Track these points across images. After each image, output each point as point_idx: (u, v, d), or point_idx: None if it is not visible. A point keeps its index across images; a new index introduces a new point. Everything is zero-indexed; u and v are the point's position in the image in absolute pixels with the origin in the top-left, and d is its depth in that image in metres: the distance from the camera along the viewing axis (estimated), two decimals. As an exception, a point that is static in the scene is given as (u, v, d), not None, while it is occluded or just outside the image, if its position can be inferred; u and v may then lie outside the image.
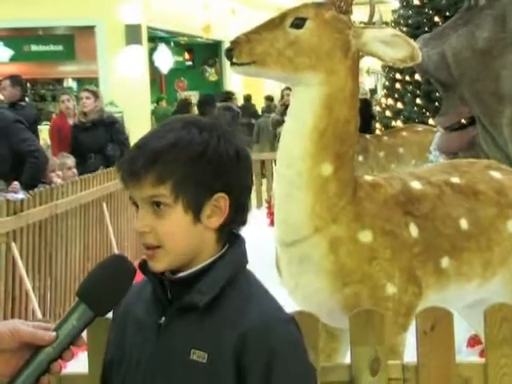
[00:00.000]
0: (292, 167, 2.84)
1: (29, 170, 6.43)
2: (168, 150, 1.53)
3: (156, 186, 1.53)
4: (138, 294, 1.66)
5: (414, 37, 2.91)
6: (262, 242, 5.44)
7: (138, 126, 11.29)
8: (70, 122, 8.94)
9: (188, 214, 1.55)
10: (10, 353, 1.45)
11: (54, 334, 1.44)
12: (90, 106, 8.13)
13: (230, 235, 1.62)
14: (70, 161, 7.51)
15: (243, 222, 1.64)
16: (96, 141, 8.04)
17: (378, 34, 2.91)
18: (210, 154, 1.54)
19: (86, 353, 4.54)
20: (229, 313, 1.54)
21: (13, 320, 1.56)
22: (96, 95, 8.25)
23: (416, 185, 3.09)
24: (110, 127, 8.21)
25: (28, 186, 5.97)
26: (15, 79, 8.68)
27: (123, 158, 1.62)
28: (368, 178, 3.09)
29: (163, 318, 1.58)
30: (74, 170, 7.47)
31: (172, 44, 20.69)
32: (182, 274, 1.58)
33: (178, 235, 1.55)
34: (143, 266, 1.62)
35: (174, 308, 1.57)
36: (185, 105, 11.37)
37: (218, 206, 1.56)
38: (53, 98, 17.45)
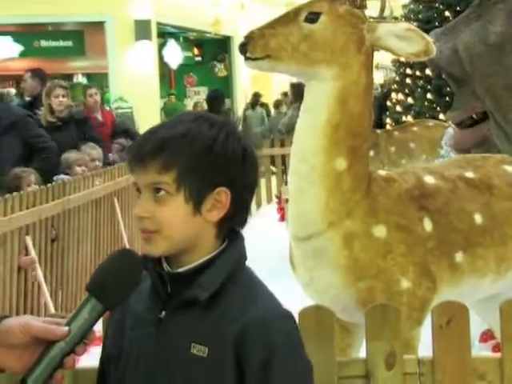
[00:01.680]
0: (306, 162, 2.83)
1: (39, 166, 6.42)
2: (176, 140, 1.55)
3: (160, 174, 1.54)
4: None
5: (425, 31, 2.90)
6: (272, 237, 5.46)
7: (147, 121, 11.26)
8: (98, 117, 8.85)
9: (188, 205, 1.56)
10: (22, 348, 1.45)
11: (66, 328, 1.44)
12: (65, 104, 7.52)
13: (229, 232, 1.63)
14: (96, 152, 7.40)
15: (243, 222, 1.65)
16: (68, 140, 7.34)
17: (392, 28, 2.90)
18: (217, 148, 1.56)
19: (98, 348, 4.55)
20: (229, 308, 1.55)
21: (24, 315, 1.56)
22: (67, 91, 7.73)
23: (430, 179, 3.08)
24: (81, 124, 7.70)
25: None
26: (35, 72, 8.66)
27: (133, 143, 1.64)
28: (382, 172, 3.09)
29: (163, 313, 1.59)
30: (98, 163, 7.36)
31: (181, 39, 20.68)
32: (181, 270, 1.59)
33: (176, 223, 1.56)
34: (144, 260, 1.62)
35: (174, 302, 1.58)
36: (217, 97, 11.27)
37: (219, 200, 1.57)
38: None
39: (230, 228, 1.63)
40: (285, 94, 16.93)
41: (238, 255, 1.62)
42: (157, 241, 1.56)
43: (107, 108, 10.39)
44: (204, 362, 1.53)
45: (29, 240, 5.28)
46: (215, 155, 1.56)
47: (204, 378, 1.54)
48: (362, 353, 2.83)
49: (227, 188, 1.57)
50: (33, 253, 5.32)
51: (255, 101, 16.44)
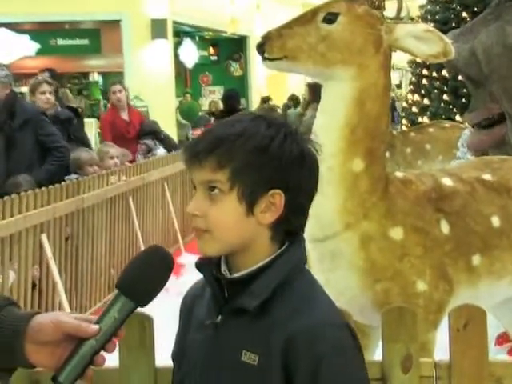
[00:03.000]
0: (323, 163, 2.78)
1: (51, 165, 6.41)
2: (232, 138, 1.52)
3: (214, 171, 1.52)
4: (202, 291, 1.67)
5: (442, 33, 2.89)
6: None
7: (162, 119, 11.28)
8: (124, 116, 8.61)
9: (241, 205, 1.52)
10: (54, 345, 1.44)
11: (97, 326, 1.44)
12: (51, 102, 7.21)
13: (289, 234, 1.59)
14: (114, 150, 7.35)
15: (300, 226, 1.61)
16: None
17: (411, 29, 2.89)
18: (273, 148, 1.52)
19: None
20: (280, 315, 1.52)
21: (55, 312, 1.55)
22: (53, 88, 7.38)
23: (447, 181, 3.07)
24: (66, 124, 7.23)
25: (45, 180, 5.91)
26: (52, 73, 8.68)
27: (189, 141, 1.63)
28: (399, 174, 3.08)
29: (219, 317, 1.57)
30: (117, 160, 7.29)
31: (197, 39, 20.69)
32: (238, 275, 1.57)
33: (228, 223, 1.53)
34: (200, 264, 1.62)
35: (228, 308, 1.56)
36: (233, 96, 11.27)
37: (273, 203, 1.53)
38: (78, 91, 17.51)
39: (288, 231, 1.59)
40: (291, 98, 16.88)
41: (295, 259, 1.58)
42: (207, 240, 1.55)
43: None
44: (253, 370, 1.51)
45: (44, 238, 5.29)
46: (271, 155, 1.52)
47: None
48: (377, 355, 2.82)
49: (282, 190, 1.53)
50: (48, 251, 5.33)
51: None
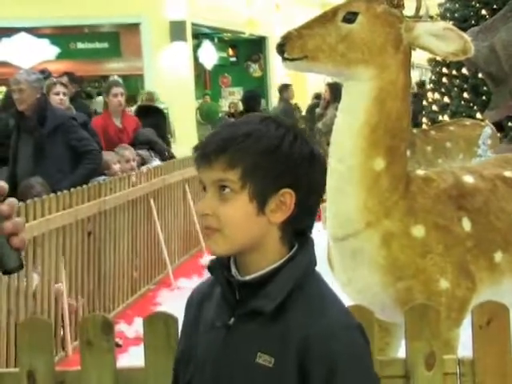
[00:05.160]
0: (344, 162, 2.83)
1: (86, 169, 6.38)
2: (243, 138, 1.54)
3: (226, 171, 1.54)
4: (210, 290, 1.67)
5: (461, 30, 2.89)
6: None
7: (182, 121, 11.34)
8: (117, 122, 8.00)
9: (252, 204, 1.54)
10: None
11: None
12: (65, 104, 7.20)
13: (298, 236, 1.61)
14: (129, 152, 7.36)
15: (309, 226, 1.63)
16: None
17: (430, 27, 2.89)
18: (283, 148, 1.55)
19: (137, 348, 4.60)
20: (295, 317, 1.54)
21: None
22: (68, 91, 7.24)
23: (468, 179, 3.07)
24: (82, 128, 6.71)
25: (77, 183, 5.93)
26: (71, 76, 8.66)
27: (199, 141, 1.64)
28: (420, 172, 3.08)
29: (232, 319, 1.58)
30: (133, 163, 7.31)
31: (216, 40, 20.72)
32: (249, 277, 1.58)
33: (239, 222, 1.55)
34: (212, 266, 1.63)
35: (241, 310, 1.57)
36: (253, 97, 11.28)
37: (284, 202, 1.55)
38: (98, 94, 17.58)
39: (298, 232, 1.61)
40: (316, 97, 16.82)
41: (306, 262, 1.59)
42: (217, 239, 1.56)
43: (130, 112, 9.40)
44: (268, 372, 1.52)
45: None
46: (281, 155, 1.54)
47: None
48: (400, 353, 2.82)
49: (292, 190, 1.55)
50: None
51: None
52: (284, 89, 13.15)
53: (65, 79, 8.46)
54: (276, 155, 1.54)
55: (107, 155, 7.01)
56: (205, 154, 1.57)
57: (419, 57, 4.62)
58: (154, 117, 9.23)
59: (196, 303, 1.70)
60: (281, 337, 1.53)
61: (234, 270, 1.61)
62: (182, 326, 1.76)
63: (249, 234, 1.56)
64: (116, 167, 6.88)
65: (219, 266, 1.62)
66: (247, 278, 1.58)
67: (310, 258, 1.61)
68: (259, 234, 1.57)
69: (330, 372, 1.49)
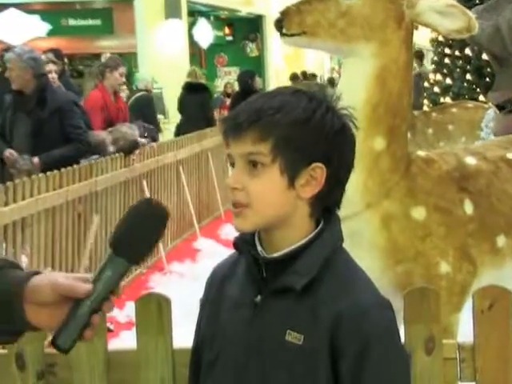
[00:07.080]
0: (343, 141, 2.77)
1: (70, 151, 6.15)
2: (273, 110, 1.50)
3: (256, 144, 1.50)
4: (232, 268, 1.64)
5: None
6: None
7: (176, 101, 11.21)
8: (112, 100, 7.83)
9: (283, 177, 1.50)
10: (53, 306, 1.41)
11: (90, 286, 1.40)
12: (56, 83, 7.04)
13: (325, 213, 1.57)
14: (131, 131, 7.15)
15: (338, 202, 1.59)
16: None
17: (434, 3, 2.82)
18: (315, 121, 1.50)
19: (128, 332, 4.56)
20: (325, 295, 1.51)
21: (55, 273, 1.52)
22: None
23: (471, 160, 3.01)
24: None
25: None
26: (56, 53, 8.55)
27: (229, 113, 1.60)
28: (421, 153, 3.02)
29: (259, 297, 1.55)
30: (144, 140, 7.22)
31: (212, 18, 20.54)
32: (276, 255, 1.54)
33: (269, 196, 1.51)
34: (237, 243, 1.60)
35: (270, 288, 1.54)
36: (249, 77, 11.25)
37: (314, 176, 1.51)
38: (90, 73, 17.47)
39: (325, 208, 1.57)
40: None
41: (334, 238, 1.56)
42: (246, 215, 1.51)
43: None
44: (298, 350, 1.50)
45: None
46: (313, 128, 1.50)
47: (297, 365, 1.50)
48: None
49: (323, 164, 1.52)
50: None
51: None
52: None
53: (50, 56, 8.28)
54: (307, 128, 1.50)
55: (102, 134, 6.84)
56: (236, 124, 1.52)
57: (420, 37, 4.55)
58: (199, 94, 9.34)
59: (217, 282, 1.66)
60: (311, 314, 1.50)
61: (259, 248, 1.57)
62: (200, 309, 1.72)
63: (278, 209, 1.52)
64: (111, 148, 6.75)
65: (245, 243, 1.58)
66: (275, 254, 1.54)
67: (338, 234, 1.58)
68: (288, 208, 1.52)
69: (363, 349, 1.47)
